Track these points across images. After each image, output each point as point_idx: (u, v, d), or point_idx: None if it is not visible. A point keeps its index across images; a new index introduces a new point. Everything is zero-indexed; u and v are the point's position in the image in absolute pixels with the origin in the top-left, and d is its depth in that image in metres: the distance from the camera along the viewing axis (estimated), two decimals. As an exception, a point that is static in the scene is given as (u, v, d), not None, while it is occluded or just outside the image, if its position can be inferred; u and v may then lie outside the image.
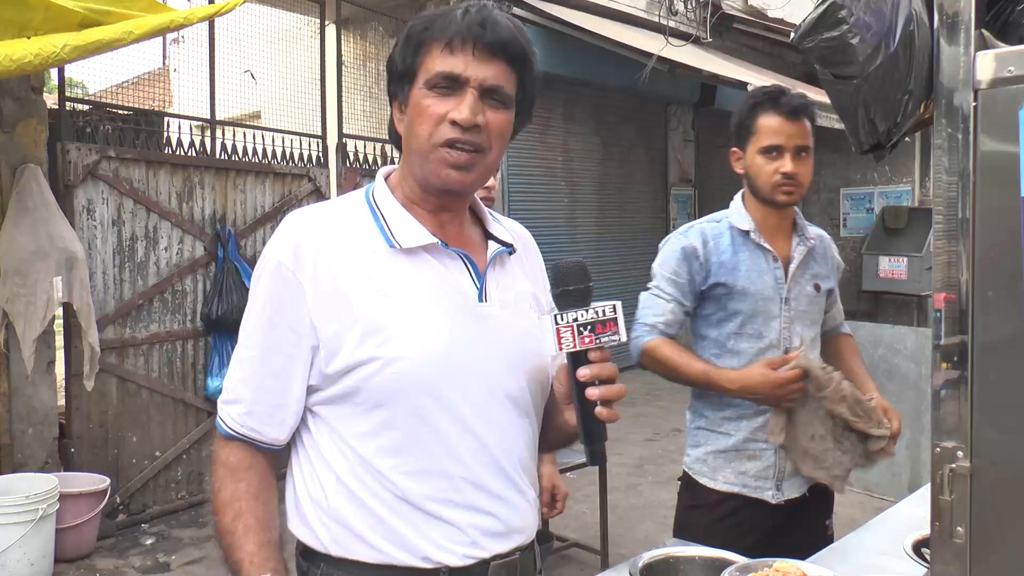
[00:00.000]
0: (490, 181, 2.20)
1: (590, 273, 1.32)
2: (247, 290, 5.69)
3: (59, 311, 4.81)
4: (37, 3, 4.06)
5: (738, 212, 2.52)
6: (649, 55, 7.72)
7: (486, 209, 1.53)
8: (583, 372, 1.28)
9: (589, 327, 1.28)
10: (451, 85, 1.32)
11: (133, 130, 5.46)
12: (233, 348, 5.43)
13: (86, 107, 5.54)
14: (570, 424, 1.37)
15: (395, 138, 1.45)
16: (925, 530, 1.87)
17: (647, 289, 2.53)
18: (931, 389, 1.16)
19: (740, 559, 1.72)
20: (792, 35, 1.25)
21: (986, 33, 1.12)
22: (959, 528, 1.15)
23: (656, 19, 9.43)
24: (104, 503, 4.84)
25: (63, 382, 5.24)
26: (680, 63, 7.95)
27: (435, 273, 1.37)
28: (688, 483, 2.51)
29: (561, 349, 1.28)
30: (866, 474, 5.50)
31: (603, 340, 1.28)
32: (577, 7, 8.52)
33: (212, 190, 5.76)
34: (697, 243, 2.47)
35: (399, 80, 1.39)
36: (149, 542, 5.14)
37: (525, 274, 1.51)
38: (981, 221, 1.12)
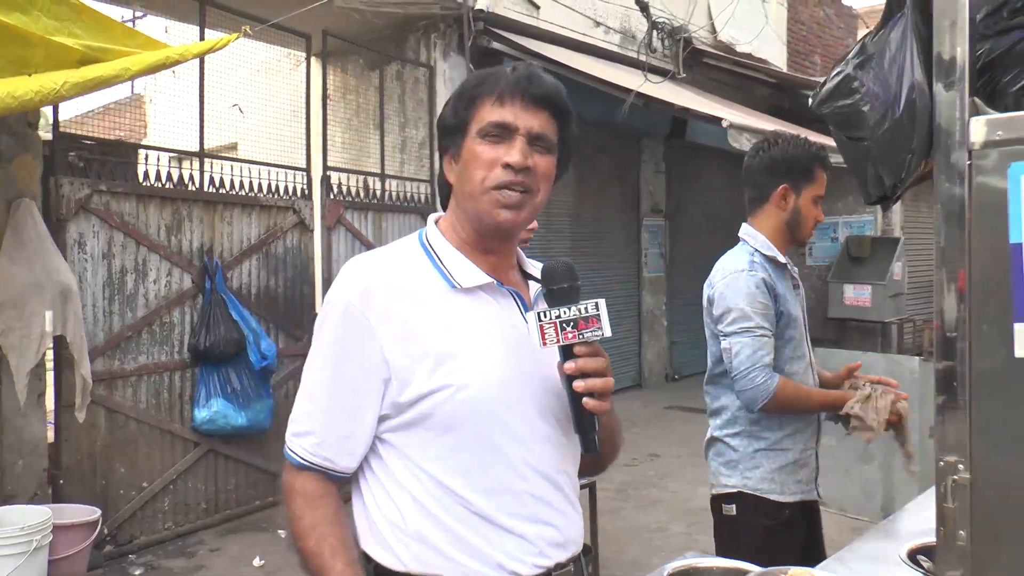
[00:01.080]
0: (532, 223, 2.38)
1: (577, 273, 1.45)
2: (234, 322, 5.77)
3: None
4: (38, 41, 4.17)
5: (767, 246, 2.66)
6: (626, 91, 7.94)
7: (522, 253, 1.67)
8: (568, 366, 1.40)
9: (572, 323, 1.39)
10: (502, 133, 1.47)
11: (114, 162, 5.48)
12: (219, 379, 5.50)
13: (73, 138, 5.59)
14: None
15: (445, 188, 1.59)
16: (918, 540, 2.05)
17: (742, 332, 2.55)
18: (935, 409, 1.32)
19: (756, 568, 1.86)
20: (810, 101, 1.42)
21: (978, 101, 1.29)
22: (961, 532, 1.30)
23: (631, 54, 9.69)
24: (95, 534, 4.87)
25: (51, 414, 5.27)
26: (655, 98, 8.18)
27: (491, 309, 1.51)
28: (753, 503, 2.63)
29: (545, 344, 1.39)
30: (841, 496, 5.69)
31: (586, 335, 1.39)
32: (553, 42, 8.73)
33: (200, 223, 5.85)
34: (765, 276, 2.59)
35: (451, 133, 1.53)
36: (138, 573, 5.15)
37: None
38: (976, 263, 1.29)
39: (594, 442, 1.46)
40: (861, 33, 14.54)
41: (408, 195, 7.80)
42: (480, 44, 8.11)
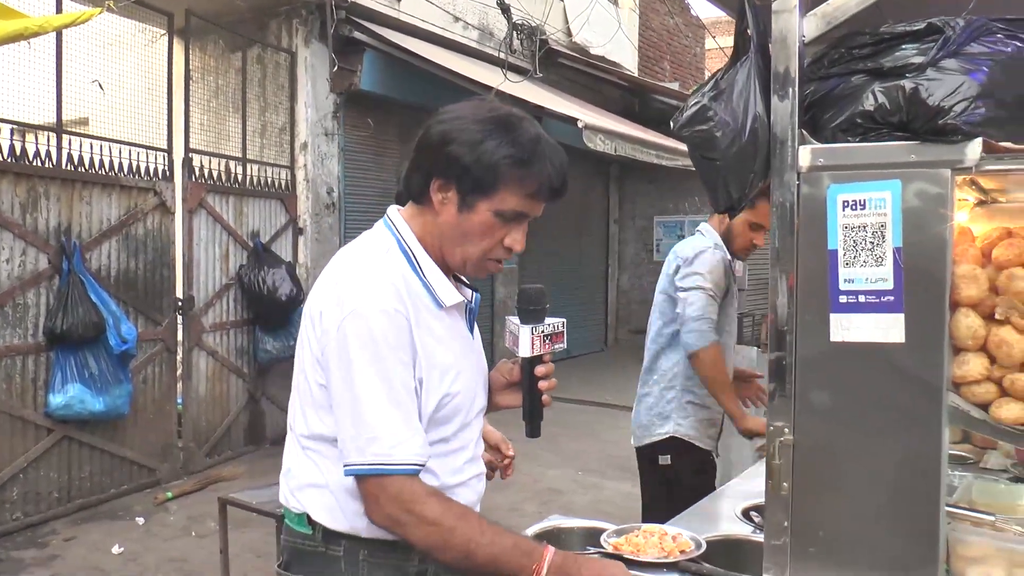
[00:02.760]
0: None
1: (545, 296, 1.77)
2: (93, 304, 5.68)
3: None
4: None
5: (719, 241, 3.25)
6: (486, 88, 8.17)
7: None
8: (540, 370, 1.75)
9: (549, 337, 1.74)
10: (518, 218, 1.64)
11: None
12: (77, 363, 5.39)
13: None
14: (496, 404, 1.87)
15: (419, 194, 1.66)
16: (750, 500, 2.39)
17: (698, 289, 3.11)
18: (767, 387, 1.61)
19: (612, 526, 2.13)
20: (672, 125, 1.68)
21: (804, 132, 1.59)
22: (785, 484, 1.60)
23: (489, 51, 9.94)
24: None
25: None
26: (514, 96, 8.45)
27: (457, 322, 1.73)
28: (680, 447, 3.17)
29: (532, 352, 1.72)
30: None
31: (556, 347, 1.77)
32: (414, 35, 8.87)
33: (57, 201, 5.67)
34: (725, 255, 3.19)
35: (466, 179, 1.58)
36: (-18, 564, 5.00)
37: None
38: (802, 265, 1.59)
39: (539, 428, 1.80)
40: (708, 42, 15.39)
41: (269, 180, 7.78)
42: (342, 33, 8.16)
